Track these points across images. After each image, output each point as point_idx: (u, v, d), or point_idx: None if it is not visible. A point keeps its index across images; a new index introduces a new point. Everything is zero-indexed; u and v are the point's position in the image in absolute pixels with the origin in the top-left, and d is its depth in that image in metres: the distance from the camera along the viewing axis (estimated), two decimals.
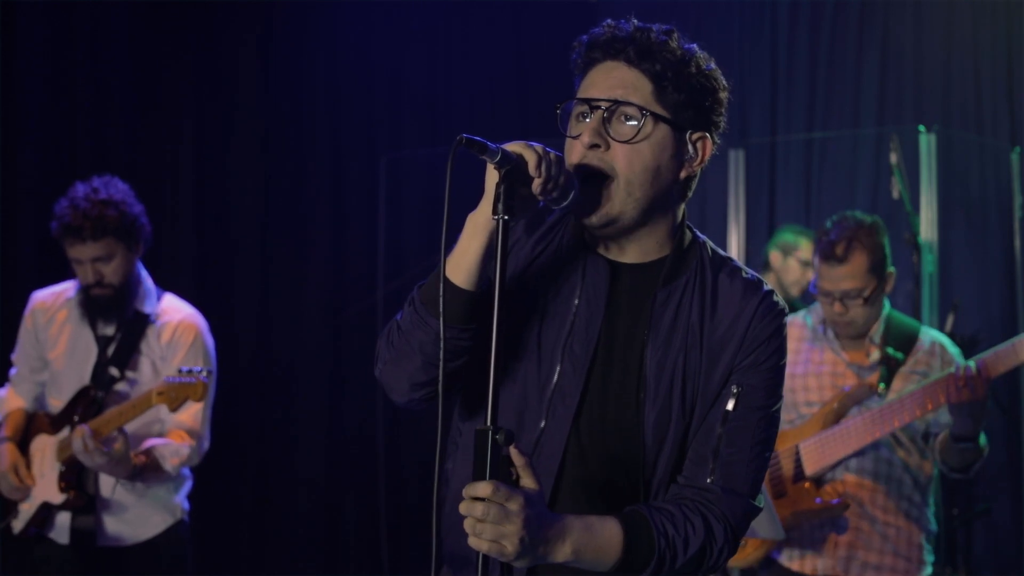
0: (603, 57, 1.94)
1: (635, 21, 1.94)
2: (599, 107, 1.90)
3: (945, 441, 3.37)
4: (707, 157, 1.97)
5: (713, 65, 1.95)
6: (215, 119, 5.72)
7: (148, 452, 3.50)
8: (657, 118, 1.89)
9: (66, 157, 5.26)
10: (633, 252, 1.97)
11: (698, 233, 2.04)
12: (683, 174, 1.95)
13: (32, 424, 3.74)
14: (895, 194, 4.40)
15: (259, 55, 5.82)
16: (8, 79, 5.11)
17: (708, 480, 1.92)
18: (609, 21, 1.96)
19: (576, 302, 1.95)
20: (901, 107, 5.52)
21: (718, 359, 1.93)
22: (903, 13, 5.53)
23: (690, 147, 1.94)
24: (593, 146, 1.89)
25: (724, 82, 1.96)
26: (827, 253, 3.43)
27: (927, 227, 4.75)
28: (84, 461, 3.41)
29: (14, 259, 5.08)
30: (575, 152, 1.91)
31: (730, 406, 1.92)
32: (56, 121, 5.31)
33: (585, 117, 1.93)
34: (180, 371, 3.42)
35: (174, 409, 3.40)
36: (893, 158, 4.37)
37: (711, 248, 2.02)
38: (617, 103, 1.89)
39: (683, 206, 2.01)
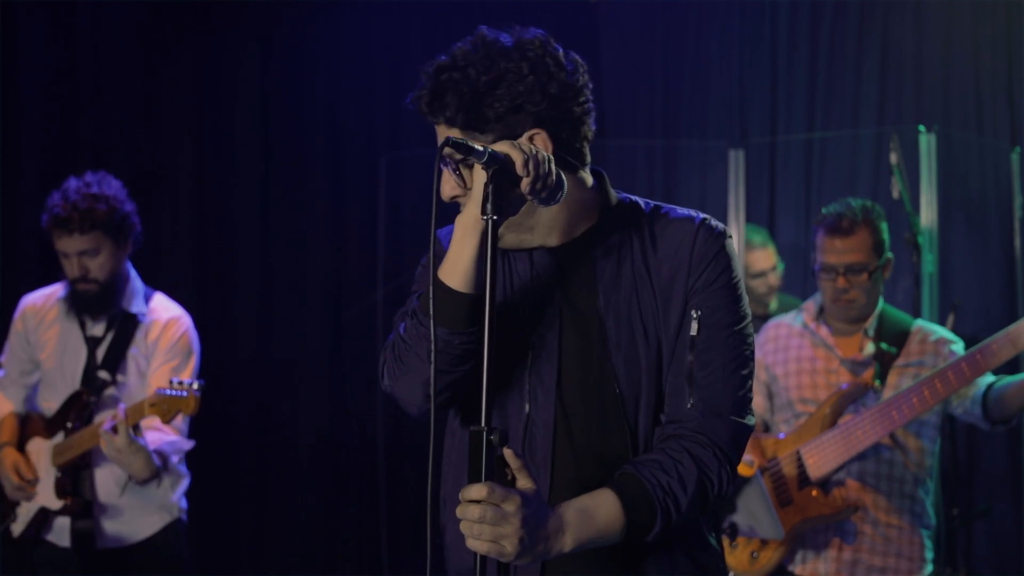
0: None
1: (428, 69, 1.93)
2: (444, 164, 1.93)
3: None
4: (551, 148, 1.91)
5: (515, 54, 1.91)
6: (215, 119, 5.72)
7: (159, 453, 3.48)
8: (472, 153, 1.81)
9: (66, 157, 5.25)
10: (559, 234, 1.99)
11: (625, 195, 2.06)
12: None
13: (26, 426, 3.72)
14: (895, 194, 4.40)
15: (259, 55, 5.82)
16: (8, 79, 5.11)
17: (688, 406, 1.93)
18: (424, 69, 1.96)
19: (529, 295, 1.99)
20: (901, 107, 5.52)
21: (671, 291, 1.96)
22: (903, 13, 5.53)
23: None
24: (456, 197, 1.93)
25: (541, 63, 1.91)
26: (833, 226, 3.45)
27: (927, 227, 4.74)
28: (113, 455, 3.36)
29: (14, 259, 5.08)
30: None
31: (694, 331, 1.95)
32: (56, 121, 5.31)
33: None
34: (172, 383, 3.37)
35: (167, 421, 3.38)
36: (893, 158, 4.37)
37: (643, 202, 2.06)
38: (446, 160, 1.91)
39: (585, 172, 1.99)
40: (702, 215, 2.02)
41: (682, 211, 2.03)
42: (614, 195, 2.05)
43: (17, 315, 3.80)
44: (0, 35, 5.08)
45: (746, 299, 2.02)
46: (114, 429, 3.31)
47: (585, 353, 1.96)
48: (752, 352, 2.01)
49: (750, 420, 1.98)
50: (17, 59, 5.16)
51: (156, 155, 5.57)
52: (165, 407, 3.33)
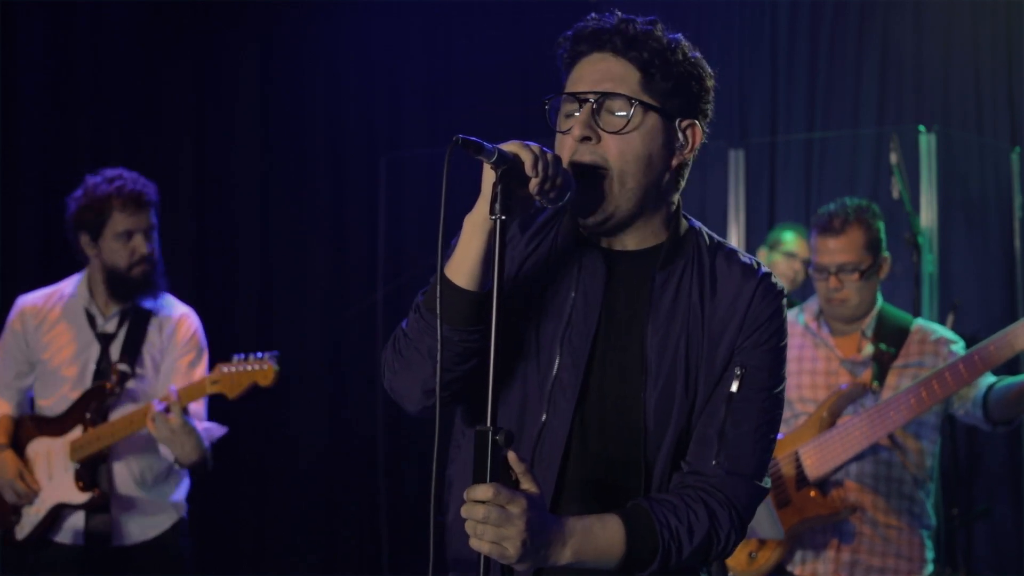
0: (589, 49, 1.95)
1: (618, 13, 1.95)
2: (588, 100, 1.91)
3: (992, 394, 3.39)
4: (697, 144, 1.98)
5: (698, 54, 1.96)
6: (215, 119, 5.73)
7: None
8: (646, 107, 1.90)
9: (66, 157, 5.26)
10: (629, 241, 1.98)
11: (693, 220, 2.05)
12: (675, 162, 1.97)
13: (21, 429, 3.68)
14: (895, 194, 4.40)
15: (259, 55, 5.83)
16: (8, 79, 5.11)
17: (713, 462, 1.91)
18: (593, 15, 1.96)
19: (573, 295, 1.95)
20: (901, 107, 5.52)
21: (720, 340, 1.93)
22: (903, 13, 5.53)
23: (680, 135, 1.96)
24: (584, 139, 1.90)
25: (709, 70, 1.98)
26: (825, 226, 3.47)
27: (927, 227, 4.75)
28: (166, 436, 3.37)
29: (14, 259, 5.08)
30: (566, 147, 1.92)
31: (734, 388, 1.92)
32: (56, 121, 5.31)
33: (574, 111, 1.93)
34: (235, 358, 3.39)
35: (235, 396, 3.39)
36: (893, 158, 4.37)
37: (707, 234, 2.04)
38: (605, 95, 1.90)
39: (678, 196, 2.02)
40: (764, 268, 1.99)
41: (745, 258, 1.99)
42: (685, 221, 2.03)
43: (14, 316, 3.75)
44: (0, 35, 5.08)
45: (787, 362, 2.01)
46: (167, 410, 3.32)
47: (615, 377, 1.93)
48: (781, 415, 2.01)
49: (767, 483, 1.98)
50: (17, 59, 5.17)
51: (156, 155, 5.57)
52: (231, 382, 3.36)
